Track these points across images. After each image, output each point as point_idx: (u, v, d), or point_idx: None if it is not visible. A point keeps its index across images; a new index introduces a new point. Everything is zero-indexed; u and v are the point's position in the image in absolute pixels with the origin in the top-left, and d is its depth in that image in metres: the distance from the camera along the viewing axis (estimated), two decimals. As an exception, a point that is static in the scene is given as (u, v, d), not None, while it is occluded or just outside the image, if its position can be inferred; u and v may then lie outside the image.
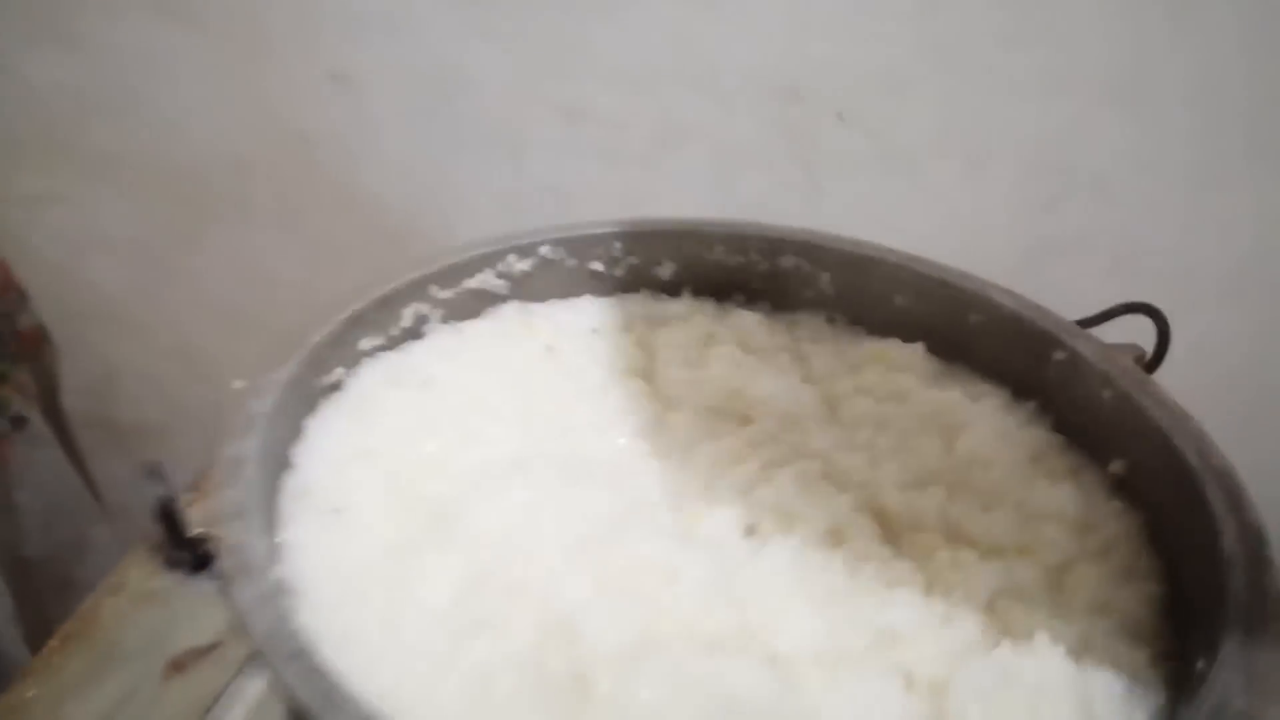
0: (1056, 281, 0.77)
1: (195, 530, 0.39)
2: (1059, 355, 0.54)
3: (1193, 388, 0.75)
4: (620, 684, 0.37)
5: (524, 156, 0.93)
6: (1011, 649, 0.39)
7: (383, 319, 0.54)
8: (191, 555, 0.39)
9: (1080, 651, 0.40)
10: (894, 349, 0.59)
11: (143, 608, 0.77)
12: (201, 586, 0.39)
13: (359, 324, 0.53)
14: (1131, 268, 0.77)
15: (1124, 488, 0.51)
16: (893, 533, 0.46)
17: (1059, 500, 0.48)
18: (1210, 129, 0.72)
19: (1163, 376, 0.52)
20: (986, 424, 0.52)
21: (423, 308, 0.56)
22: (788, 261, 0.63)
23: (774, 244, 0.63)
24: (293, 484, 0.47)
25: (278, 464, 0.47)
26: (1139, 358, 0.53)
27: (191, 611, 0.75)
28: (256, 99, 0.98)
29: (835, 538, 0.44)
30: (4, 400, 1.08)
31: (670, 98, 0.85)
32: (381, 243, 1.03)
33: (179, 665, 0.72)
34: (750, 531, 0.45)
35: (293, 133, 0.99)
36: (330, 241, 1.06)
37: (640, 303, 0.63)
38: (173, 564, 0.40)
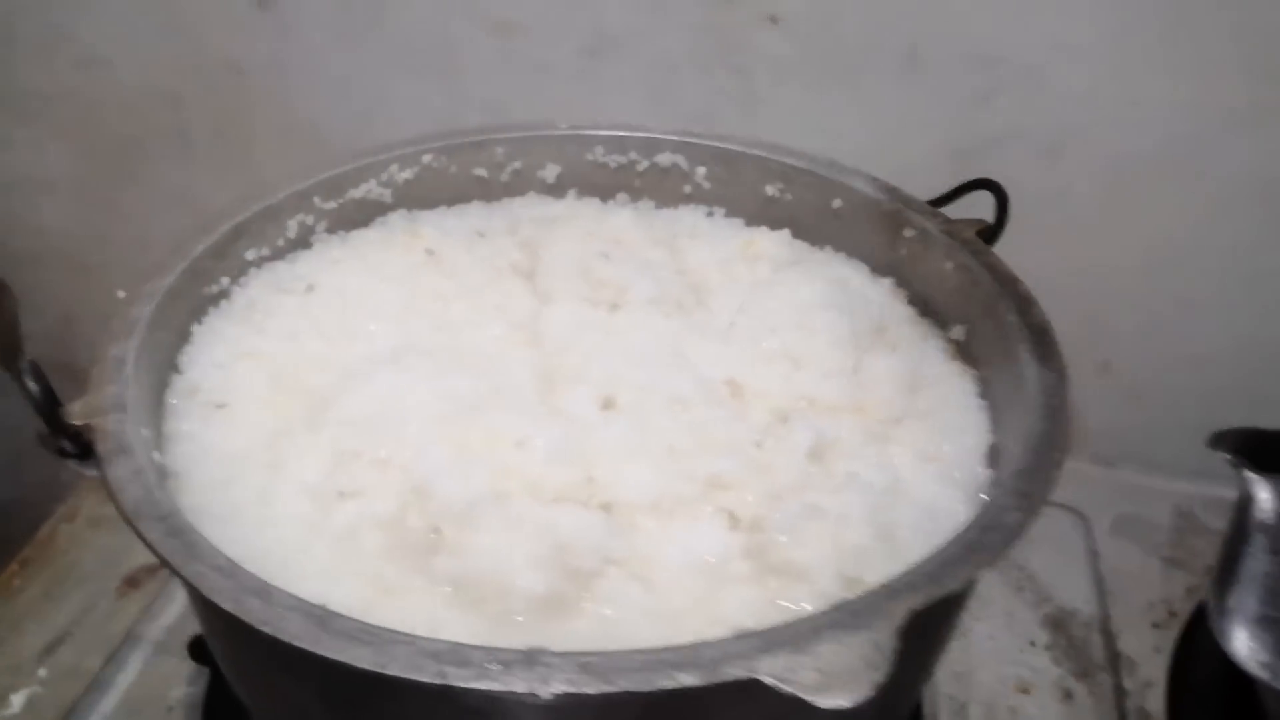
0: (988, 174, 0.81)
1: (77, 421, 0.43)
2: (909, 232, 0.58)
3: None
4: (464, 531, 0.41)
5: (457, 73, 0.93)
6: (823, 490, 0.44)
7: (267, 230, 0.57)
8: (76, 445, 0.43)
9: (892, 491, 0.44)
10: (761, 237, 0.62)
11: (96, 532, 0.81)
12: (88, 471, 0.43)
13: (242, 235, 0.56)
14: (1062, 158, 0.80)
15: (964, 352, 0.55)
16: (740, 401, 0.50)
17: (894, 366, 0.52)
18: (1142, 17, 0.73)
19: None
20: (836, 302, 0.55)
21: (307, 218, 0.59)
22: (665, 159, 0.65)
23: (652, 143, 0.66)
24: (181, 384, 0.50)
25: (164, 366, 0.50)
26: (982, 230, 0.57)
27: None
28: (181, 30, 0.97)
29: (682, 406, 0.48)
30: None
31: (600, 6, 0.85)
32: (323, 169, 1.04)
33: (133, 582, 0.76)
34: (607, 405, 0.49)
35: (222, 62, 0.99)
36: (271, 171, 1.07)
37: (525, 205, 0.66)
38: (61, 453, 0.43)
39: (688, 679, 0.33)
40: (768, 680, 0.33)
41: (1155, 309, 0.84)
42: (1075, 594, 0.71)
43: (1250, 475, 0.44)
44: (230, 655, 0.45)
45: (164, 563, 0.37)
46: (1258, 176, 0.76)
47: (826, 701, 0.32)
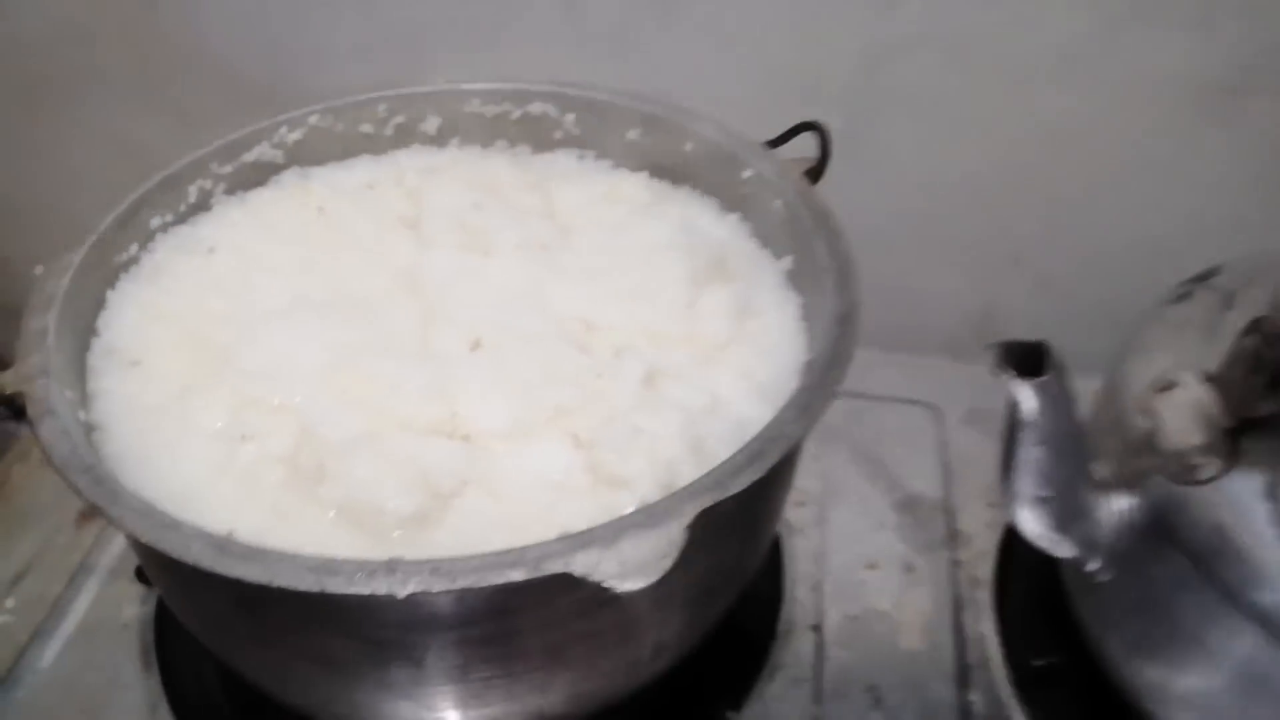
0: (898, 79, 0.85)
1: (11, 389, 0.50)
2: (747, 173, 0.65)
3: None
4: (343, 465, 0.49)
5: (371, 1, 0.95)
6: (647, 412, 0.52)
7: (169, 198, 0.63)
8: (10, 409, 0.50)
9: (709, 410, 0.53)
10: (624, 179, 0.69)
11: (50, 470, 0.87)
12: (22, 430, 0.50)
13: (145, 205, 0.62)
14: (965, 62, 0.84)
15: (792, 280, 0.62)
16: (591, 335, 0.58)
17: (728, 297, 0.60)
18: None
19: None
20: (682, 242, 0.63)
21: (205, 183, 0.65)
22: (537, 108, 0.72)
23: (523, 94, 0.72)
24: (99, 346, 0.57)
25: (84, 331, 0.57)
26: (809, 169, 0.64)
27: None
28: None
29: (537, 344, 0.56)
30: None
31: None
32: (242, 100, 1.05)
33: (88, 514, 0.83)
34: (475, 346, 0.57)
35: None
36: (191, 104, 1.08)
37: (410, 156, 0.72)
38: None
39: (516, 575, 0.41)
40: (578, 572, 0.41)
41: (1059, 205, 0.90)
42: (924, 481, 0.80)
43: (1014, 381, 0.52)
44: (158, 578, 0.54)
45: (93, 506, 0.45)
46: (1153, 72, 0.82)
47: (625, 586, 0.41)
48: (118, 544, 0.78)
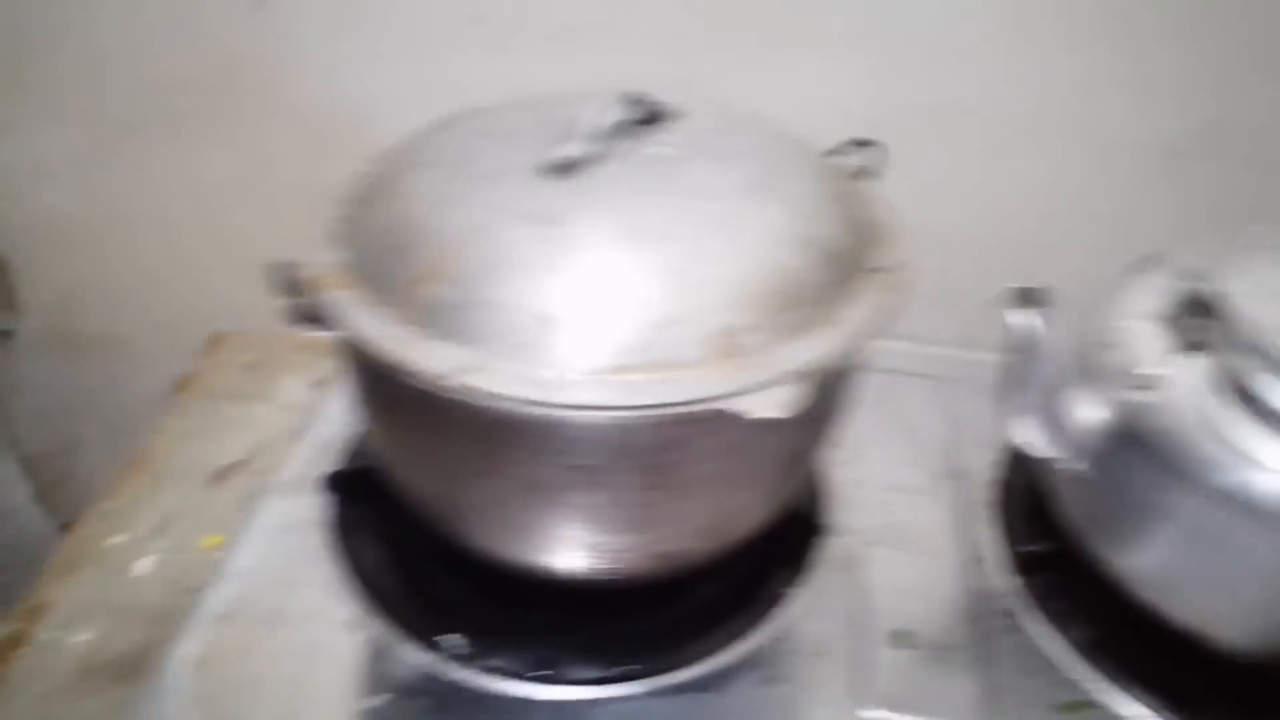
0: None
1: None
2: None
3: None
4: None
5: (432, 60, 1.04)
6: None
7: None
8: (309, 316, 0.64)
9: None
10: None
11: (183, 442, 1.02)
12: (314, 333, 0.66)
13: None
14: (944, 128, 1.00)
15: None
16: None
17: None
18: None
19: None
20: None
21: None
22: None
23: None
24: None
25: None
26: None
27: (219, 441, 1.00)
28: (182, 24, 1.06)
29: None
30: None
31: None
32: (309, 148, 1.12)
33: (218, 477, 0.98)
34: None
35: (219, 54, 1.08)
36: (262, 150, 1.15)
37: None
38: (296, 323, 0.65)
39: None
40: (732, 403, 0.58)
41: (1024, 252, 1.05)
42: (932, 430, 1.01)
43: (1021, 310, 0.68)
44: (389, 418, 0.68)
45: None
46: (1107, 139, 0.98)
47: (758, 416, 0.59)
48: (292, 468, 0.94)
